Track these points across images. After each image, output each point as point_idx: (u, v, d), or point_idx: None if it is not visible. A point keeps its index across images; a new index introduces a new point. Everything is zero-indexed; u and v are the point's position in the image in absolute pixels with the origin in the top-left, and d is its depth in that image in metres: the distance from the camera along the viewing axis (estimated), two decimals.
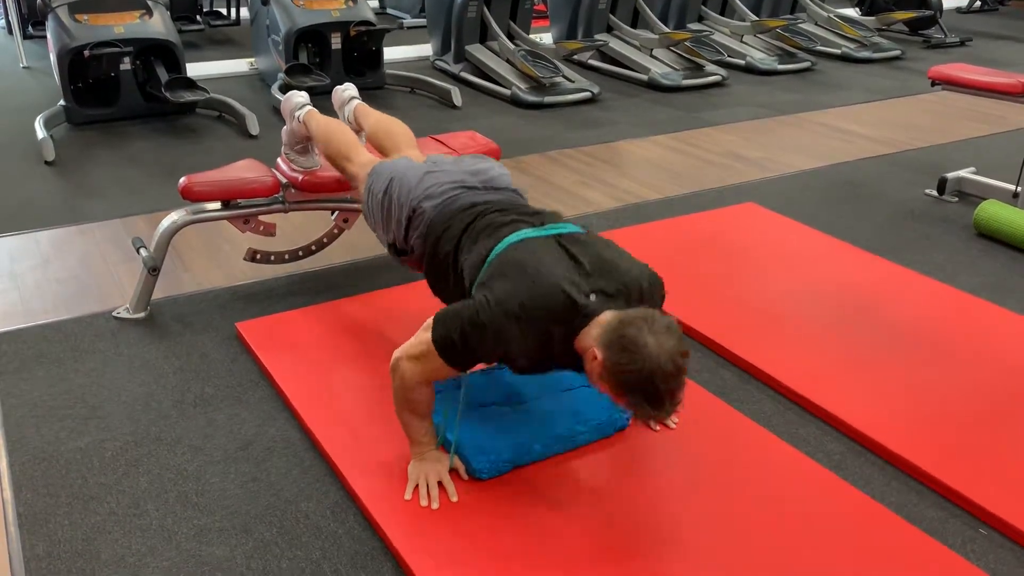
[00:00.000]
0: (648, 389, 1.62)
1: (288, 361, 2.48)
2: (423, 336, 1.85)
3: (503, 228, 1.97)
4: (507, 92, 5.47)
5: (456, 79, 5.91)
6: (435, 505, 1.92)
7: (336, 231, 3.12)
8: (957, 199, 3.92)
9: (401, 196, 2.22)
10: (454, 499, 1.94)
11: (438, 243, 2.11)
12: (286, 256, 3.07)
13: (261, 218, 2.90)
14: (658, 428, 2.20)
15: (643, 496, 1.98)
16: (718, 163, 4.38)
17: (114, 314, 2.77)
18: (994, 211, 3.45)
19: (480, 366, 1.99)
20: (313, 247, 3.11)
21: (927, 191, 4.01)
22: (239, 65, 6.03)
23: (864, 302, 2.90)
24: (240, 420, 2.28)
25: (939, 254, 3.36)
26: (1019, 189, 3.70)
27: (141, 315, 2.78)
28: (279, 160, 2.97)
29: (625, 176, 4.16)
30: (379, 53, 5.63)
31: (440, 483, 1.97)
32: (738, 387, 2.45)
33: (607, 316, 1.73)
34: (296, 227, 3.36)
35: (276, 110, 5.01)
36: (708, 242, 3.34)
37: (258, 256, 3.00)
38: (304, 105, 2.79)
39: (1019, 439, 2.20)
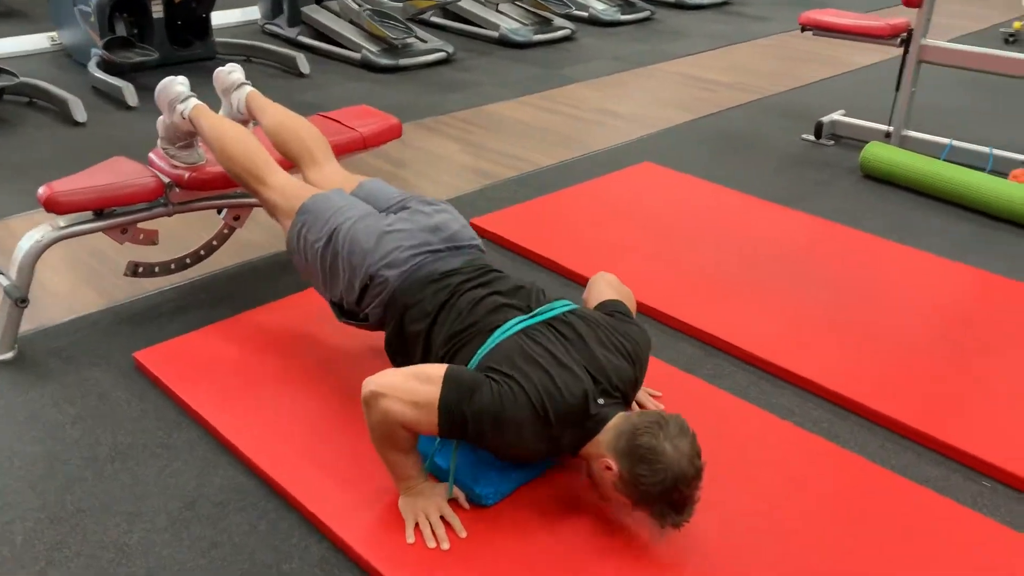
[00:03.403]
0: (673, 498, 1.58)
1: (211, 392, 2.13)
2: (425, 388, 1.64)
3: (492, 316, 1.80)
4: (356, 56, 5.10)
5: (293, 44, 5.44)
6: (445, 545, 1.69)
7: (226, 231, 2.74)
8: (833, 142, 4.02)
9: (354, 258, 1.95)
10: (463, 535, 1.72)
11: (404, 318, 1.90)
12: (172, 266, 2.66)
13: (141, 225, 2.49)
14: None
15: None
16: (595, 121, 4.27)
17: None
18: (879, 153, 3.55)
19: None
20: (202, 252, 2.72)
21: (804, 136, 4.09)
22: (38, 41, 5.24)
23: (791, 255, 2.89)
24: (174, 472, 1.93)
25: (837, 199, 3.42)
26: (891, 129, 3.84)
27: (8, 355, 2.32)
28: (152, 156, 2.55)
29: (509, 142, 3.97)
30: (207, 21, 5.07)
31: (442, 517, 1.74)
32: (705, 360, 2.36)
33: (616, 421, 1.67)
34: (170, 232, 2.93)
35: (99, 91, 4.41)
36: (620, 208, 3.22)
37: (140, 269, 2.58)
38: (187, 96, 2.38)
39: (988, 379, 2.24)
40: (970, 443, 2.01)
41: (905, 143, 3.79)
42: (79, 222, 2.38)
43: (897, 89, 3.77)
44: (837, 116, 4.07)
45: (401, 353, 1.95)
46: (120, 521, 1.79)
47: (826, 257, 2.89)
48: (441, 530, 1.71)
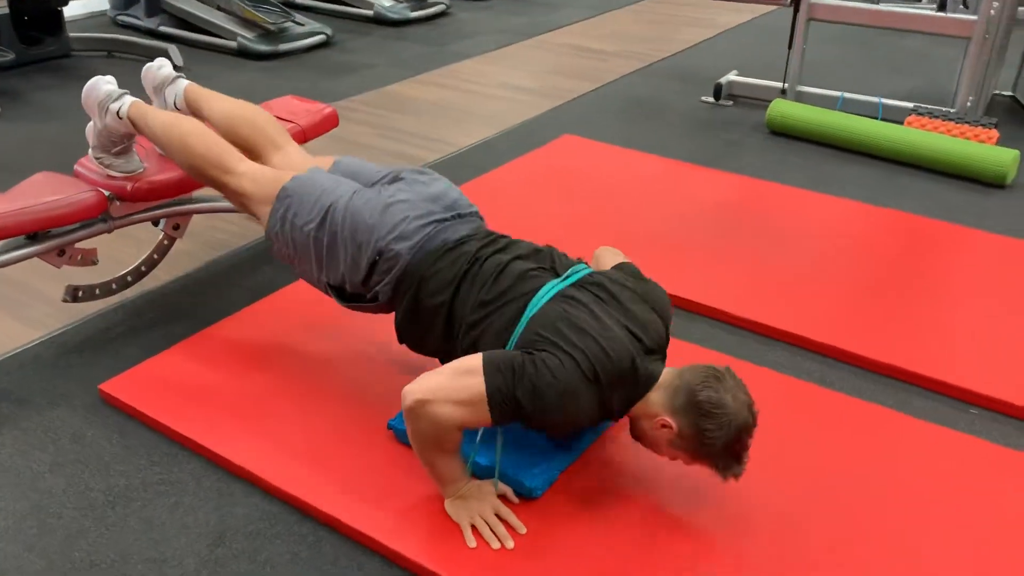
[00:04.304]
0: (735, 449, 1.60)
1: (202, 417, 1.98)
2: (469, 382, 1.58)
3: (523, 283, 1.74)
4: (232, 44, 4.82)
5: (155, 36, 5.08)
6: (509, 544, 1.65)
7: (166, 243, 2.54)
8: (732, 103, 4.17)
9: (359, 235, 1.84)
10: (522, 531, 1.68)
11: (420, 292, 1.81)
12: (113, 286, 2.44)
13: (79, 245, 2.27)
14: None
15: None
16: (502, 96, 4.24)
17: None
18: (784, 110, 3.71)
19: None
20: (143, 268, 2.51)
21: (703, 98, 4.21)
22: None
23: (732, 215, 2.98)
24: (188, 509, 1.78)
25: (753, 157, 3.55)
26: (786, 85, 4.02)
27: None
28: (78, 168, 2.33)
29: (423, 124, 3.88)
30: (60, 15, 4.65)
31: (497, 515, 1.70)
32: (690, 326, 2.40)
33: (665, 378, 1.67)
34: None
35: None
36: (556, 184, 3.22)
37: (80, 293, 2.36)
38: (119, 95, 2.18)
39: (947, 314, 2.40)
40: (953, 376, 2.15)
41: (800, 98, 3.98)
42: (10, 249, 2.14)
43: (789, 47, 3.94)
44: (733, 77, 4.21)
45: (418, 330, 1.86)
46: (145, 571, 1.64)
47: (764, 213, 3.01)
48: (501, 528, 1.67)
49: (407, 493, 1.77)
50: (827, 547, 1.67)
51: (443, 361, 1.80)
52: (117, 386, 2.08)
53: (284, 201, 1.94)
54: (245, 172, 2.01)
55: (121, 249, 2.66)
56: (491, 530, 1.66)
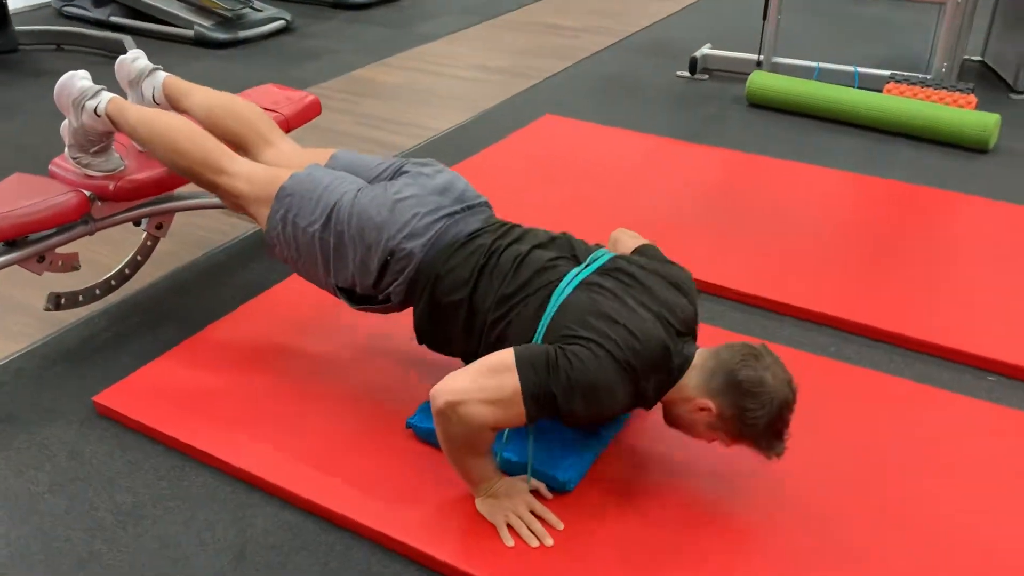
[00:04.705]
0: (778, 427, 1.55)
1: (210, 427, 1.88)
2: (502, 381, 1.52)
3: (544, 274, 1.68)
4: (189, 33, 4.64)
5: (105, 27, 4.88)
6: (548, 541, 1.59)
7: (149, 243, 2.42)
8: (707, 76, 4.13)
9: (367, 235, 1.76)
10: (560, 527, 1.62)
11: (436, 290, 1.74)
12: (97, 291, 2.32)
13: (59, 250, 2.14)
14: None
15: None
16: (475, 78, 4.15)
17: None
18: (764, 82, 3.68)
19: None
20: (127, 270, 2.39)
21: (679, 73, 4.16)
22: None
23: (726, 190, 2.95)
24: (205, 524, 1.69)
25: (736, 131, 3.52)
26: (761, 57, 3.99)
27: None
28: (54, 168, 2.20)
29: (398, 110, 3.77)
30: (3, 8, 4.43)
31: (532, 512, 1.64)
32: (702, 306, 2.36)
33: (699, 360, 1.62)
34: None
35: None
36: (543, 166, 3.15)
37: (63, 301, 2.23)
38: (96, 91, 2.05)
39: (955, 281, 2.39)
40: (970, 344, 2.14)
41: (776, 70, 3.95)
42: None
43: (764, 18, 3.91)
44: (707, 50, 4.17)
45: (438, 330, 1.78)
46: None
47: (756, 187, 2.98)
48: (538, 526, 1.61)
49: (435, 494, 1.70)
50: (866, 529, 1.64)
51: (466, 361, 1.72)
52: (113, 397, 1.97)
53: (284, 201, 1.84)
54: (239, 172, 1.91)
55: (98, 252, 2.53)
56: (528, 528, 1.60)
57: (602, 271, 1.69)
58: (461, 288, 1.72)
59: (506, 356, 1.55)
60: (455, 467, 1.63)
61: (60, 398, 2.03)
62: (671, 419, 1.68)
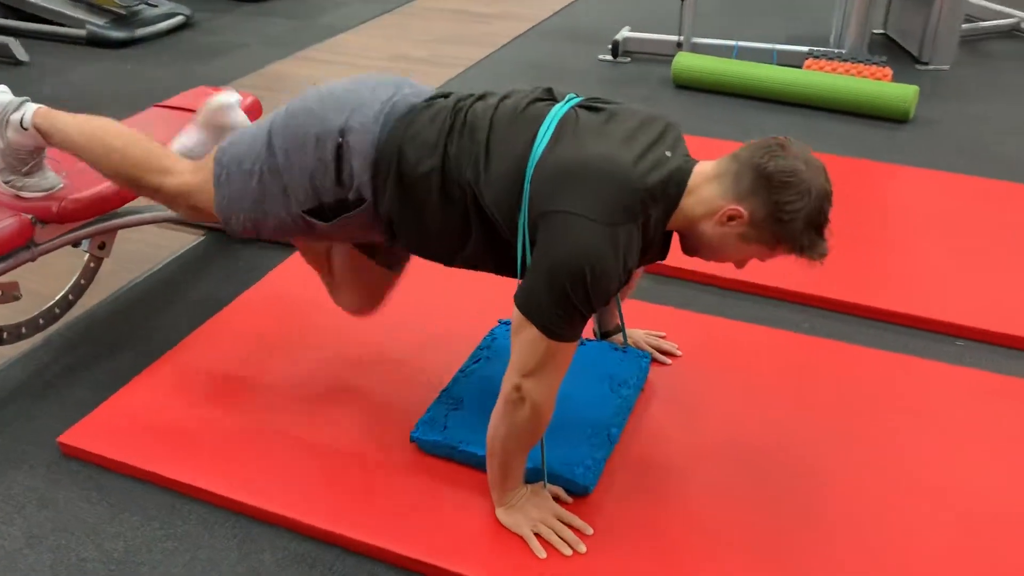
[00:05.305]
0: (819, 220, 1.42)
1: (195, 460, 1.76)
2: (523, 339, 1.42)
3: (525, 113, 1.52)
4: (81, 32, 4.34)
5: None
6: (581, 548, 1.56)
7: (92, 264, 2.25)
8: (629, 59, 4.15)
9: (312, 127, 1.58)
10: (589, 532, 1.59)
11: (403, 164, 1.54)
12: (40, 321, 2.14)
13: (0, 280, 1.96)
14: (669, 361, 2.04)
15: (721, 430, 1.83)
16: (394, 70, 4.03)
17: None
18: (690, 63, 3.72)
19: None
20: (70, 296, 2.21)
21: (600, 56, 4.17)
22: None
23: None
24: (208, 563, 1.58)
25: (672, 113, 3.48)
26: (681, 38, 4.03)
27: None
28: None
29: None
30: None
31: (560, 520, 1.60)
32: (665, 290, 2.36)
33: (716, 168, 1.46)
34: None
35: None
36: None
37: (5, 335, 2.04)
38: (19, 103, 1.85)
39: (911, 251, 2.48)
40: (936, 311, 2.22)
41: (696, 50, 4.00)
42: None
43: (683, 0, 3.95)
44: (627, 33, 4.19)
45: (413, 209, 1.56)
46: None
47: None
48: (568, 533, 1.57)
49: (451, 509, 1.64)
50: (870, 500, 1.68)
51: (451, 262, 1.62)
52: (80, 436, 1.82)
53: (222, 162, 1.67)
54: (184, 168, 1.74)
55: (30, 279, 2.33)
56: (558, 536, 1.57)
57: (581, 106, 1.56)
58: (430, 156, 1.53)
59: (516, 319, 1.44)
60: (500, 473, 1.57)
61: (17, 442, 1.86)
62: (692, 245, 1.53)
